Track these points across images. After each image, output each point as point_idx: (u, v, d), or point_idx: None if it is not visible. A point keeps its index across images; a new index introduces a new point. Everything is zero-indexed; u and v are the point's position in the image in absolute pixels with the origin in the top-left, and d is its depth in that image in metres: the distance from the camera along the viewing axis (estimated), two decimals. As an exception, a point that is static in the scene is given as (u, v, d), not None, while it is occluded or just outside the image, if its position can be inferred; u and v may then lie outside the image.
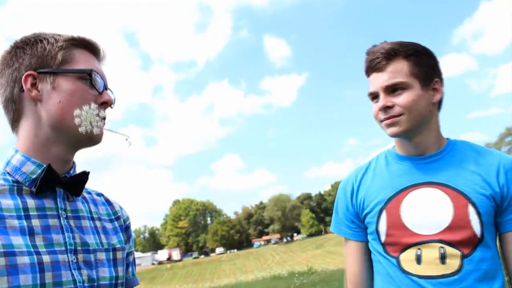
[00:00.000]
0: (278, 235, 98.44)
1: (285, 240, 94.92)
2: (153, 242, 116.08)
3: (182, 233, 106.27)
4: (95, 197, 1.15)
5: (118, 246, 1.09)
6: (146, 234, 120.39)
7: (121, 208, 1.21)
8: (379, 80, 1.35)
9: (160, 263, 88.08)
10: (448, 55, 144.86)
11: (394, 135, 1.36)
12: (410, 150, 1.42)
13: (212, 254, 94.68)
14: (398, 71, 1.33)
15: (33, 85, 0.99)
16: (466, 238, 1.28)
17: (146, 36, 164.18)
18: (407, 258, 1.34)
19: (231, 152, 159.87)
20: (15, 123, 1.02)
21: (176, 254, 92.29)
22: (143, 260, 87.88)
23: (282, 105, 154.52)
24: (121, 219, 1.18)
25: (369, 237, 1.46)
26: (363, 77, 1.45)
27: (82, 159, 1.11)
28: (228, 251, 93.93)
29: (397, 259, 1.36)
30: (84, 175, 1.05)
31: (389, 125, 1.35)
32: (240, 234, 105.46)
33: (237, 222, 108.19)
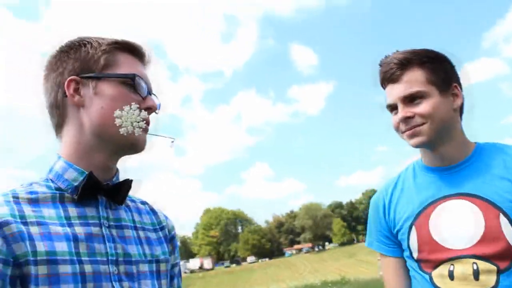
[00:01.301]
0: (309, 244, 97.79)
1: (316, 249, 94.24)
2: (185, 251, 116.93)
3: (214, 242, 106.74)
4: (140, 205, 1.12)
5: (162, 257, 1.05)
6: (178, 243, 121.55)
7: (166, 217, 1.17)
8: (396, 91, 1.32)
9: (192, 271, 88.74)
10: (479, 60, 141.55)
11: (417, 146, 1.32)
12: (435, 160, 1.37)
13: (243, 263, 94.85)
14: (414, 80, 1.30)
15: (76, 90, 0.97)
16: (500, 251, 1.22)
17: (173, 47, 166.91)
18: (440, 275, 1.30)
19: (260, 160, 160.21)
20: (58, 128, 1.01)
21: (207, 263, 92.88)
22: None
23: (310, 113, 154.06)
24: (166, 229, 1.14)
25: (404, 254, 1.42)
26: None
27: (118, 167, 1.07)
28: (259, 260, 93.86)
29: (430, 275, 1.32)
30: (127, 183, 1.02)
31: (412, 136, 1.31)
32: (271, 243, 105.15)
33: (268, 230, 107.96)
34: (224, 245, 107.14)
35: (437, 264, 1.30)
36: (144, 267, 0.99)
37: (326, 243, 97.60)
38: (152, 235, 1.08)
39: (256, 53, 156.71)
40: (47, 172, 0.99)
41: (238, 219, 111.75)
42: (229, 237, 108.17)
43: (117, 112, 0.94)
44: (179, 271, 1.18)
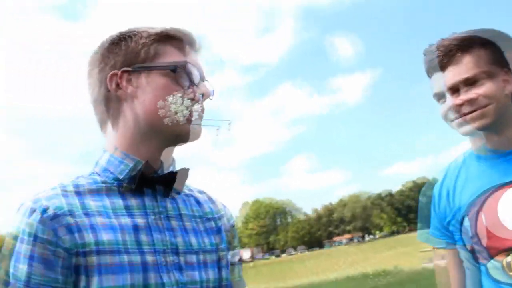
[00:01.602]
0: (351, 235, 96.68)
1: (357, 240, 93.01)
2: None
3: (254, 234, 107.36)
4: (197, 194, 1.10)
5: (209, 248, 1.03)
6: (236, 232, 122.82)
7: (224, 206, 1.15)
8: (457, 73, 1.25)
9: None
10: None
11: (482, 128, 1.25)
12: (498, 144, 1.30)
13: (284, 254, 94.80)
14: (476, 61, 1.24)
15: (119, 84, 0.96)
16: None
17: (214, 40, 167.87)
18: (497, 266, 1.25)
19: (302, 152, 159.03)
20: (103, 123, 1.01)
21: (247, 255, 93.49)
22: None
23: (351, 103, 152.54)
24: (225, 218, 1.12)
25: (457, 245, 1.38)
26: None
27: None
28: (300, 251, 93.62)
29: (501, 263, 1.25)
30: (172, 174, 0.99)
31: (476, 119, 1.24)
32: (313, 234, 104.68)
33: (309, 222, 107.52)
34: (265, 237, 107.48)
35: (493, 254, 1.26)
36: (192, 258, 0.98)
37: (367, 235, 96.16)
38: (200, 226, 1.05)
39: (295, 44, 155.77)
40: (93, 166, 1.00)
41: (279, 210, 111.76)
42: (270, 228, 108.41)
43: (160, 103, 0.94)
44: (240, 260, 1.18)
